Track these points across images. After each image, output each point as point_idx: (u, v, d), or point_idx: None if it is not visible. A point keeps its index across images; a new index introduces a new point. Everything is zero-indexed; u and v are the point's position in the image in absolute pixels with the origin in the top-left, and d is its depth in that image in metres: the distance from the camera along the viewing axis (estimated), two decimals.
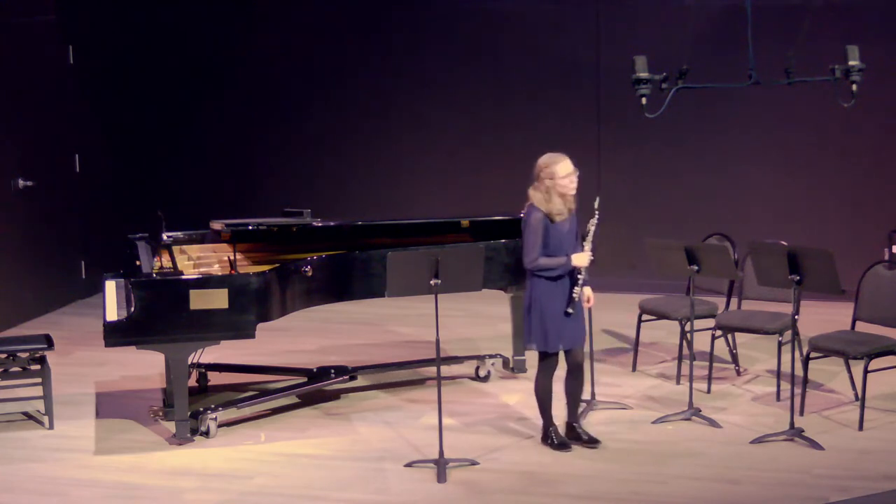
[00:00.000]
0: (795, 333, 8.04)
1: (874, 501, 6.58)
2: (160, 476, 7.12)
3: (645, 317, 8.77)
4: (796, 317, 7.78)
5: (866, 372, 7.50)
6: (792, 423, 7.42)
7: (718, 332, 8.45)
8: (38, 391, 7.88)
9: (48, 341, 7.93)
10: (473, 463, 7.15)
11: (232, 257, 7.99)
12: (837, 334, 7.87)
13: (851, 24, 9.91)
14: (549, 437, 7.38)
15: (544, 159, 7.16)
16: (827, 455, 7.18)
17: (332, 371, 8.33)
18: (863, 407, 7.58)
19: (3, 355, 7.83)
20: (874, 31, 10.00)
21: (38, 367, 7.86)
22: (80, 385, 8.76)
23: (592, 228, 7.24)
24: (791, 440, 7.37)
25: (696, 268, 7.67)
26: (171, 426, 7.71)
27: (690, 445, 7.40)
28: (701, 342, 8.47)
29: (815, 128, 10.50)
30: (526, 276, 7.28)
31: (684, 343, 8.38)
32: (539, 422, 7.46)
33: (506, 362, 8.82)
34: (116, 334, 7.39)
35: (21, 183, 10.43)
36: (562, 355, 7.28)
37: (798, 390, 7.76)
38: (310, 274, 7.82)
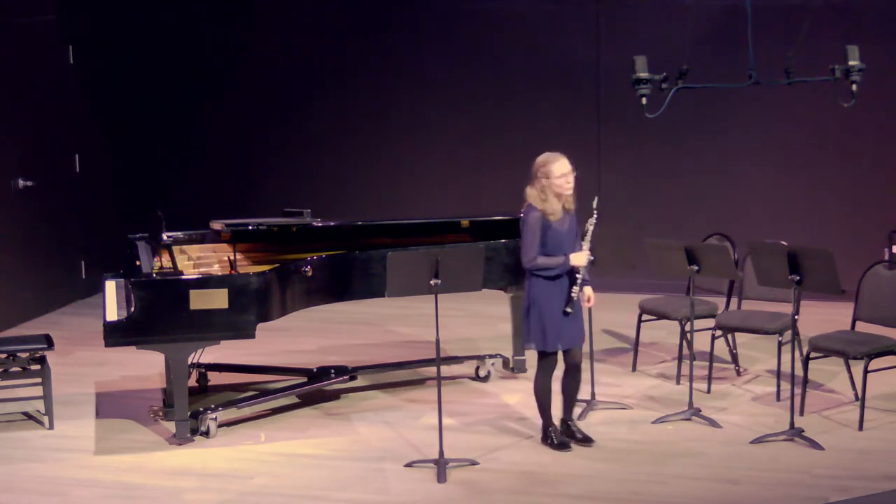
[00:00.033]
0: (795, 333, 8.04)
1: (874, 501, 6.58)
2: (160, 476, 7.12)
3: (645, 317, 8.77)
4: (796, 317, 7.78)
5: (866, 372, 7.50)
6: (792, 423, 7.42)
7: (718, 332, 8.45)
8: (38, 391, 7.88)
9: (48, 341, 7.93)
10: (473, 463, 7.15)
11: (232, 257, 7.99)
12: (837, 334, 7.87)
13: (851, 24, 9.91)
14: (548, 437, 7.38)
15: (542, 158, 7.17)
16: (827, 455, 7.18)
17: (332, 371, 8.33)
18: (863, 407, 7.58)
19: (3, 355, 7.83)
20: (874, 31, 10.00)
21: (38, 367, 7.86)
22: (80, 385, 8.76)
23: (591, 228, 7.24)
24: (791, 440, 7.37)
25: (696, 268, 7.67)
26: (171, 426, 7.71)
27: (690, 445, 7.40)
28: (701, 342, 8.47)
29: (815, 128, 10.50)
30: (525, 276, 7.28)
31: (684, 343, 8.38)
32: (539, 422, 7.46)
33: (506, 362, 8.82)
34: (116, 334, 7.39)
35: (21, 183, 10.43)
36: (560, 355, 7.29)
37: (798, 390, 7.76)
38: (310, 274, 7.82)
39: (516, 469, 7.10)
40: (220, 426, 7.74)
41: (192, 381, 8.35)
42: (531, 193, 7.15)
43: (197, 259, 8.26)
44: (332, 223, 8.47)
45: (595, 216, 7.24)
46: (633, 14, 10.75)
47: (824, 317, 9.04)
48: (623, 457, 7.24)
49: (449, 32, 11.23)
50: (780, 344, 7.95)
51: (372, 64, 11.40)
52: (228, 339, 7.55)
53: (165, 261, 7.93)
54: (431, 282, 7.01)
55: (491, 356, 8.72)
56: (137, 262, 7.92)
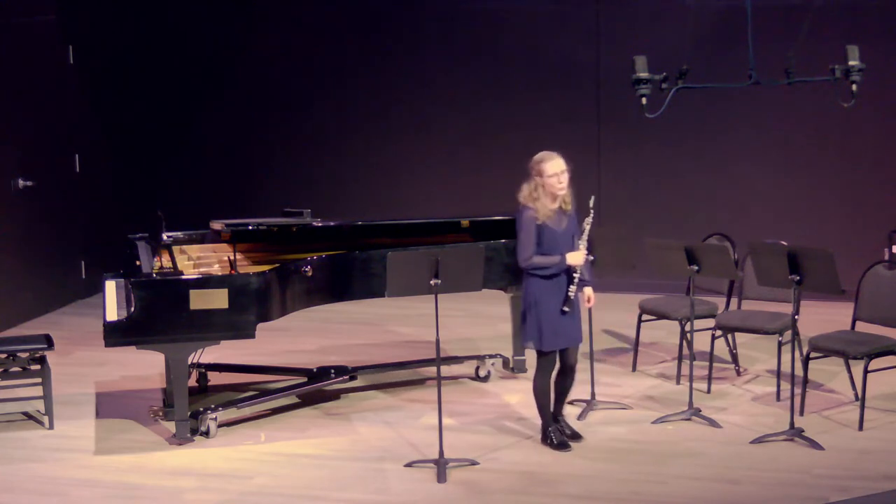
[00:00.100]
0: (795, 333, 8.04)
1: (874, 501, 6.58)
2: (160, 476, 7.12)
3: (645, 317, 8.77)
4: (796, 317, 7.78)
5: (866, 372, 7.50)
6: (792, 423, 7.42)
7: (718, 332, 8.45)
8: (38, 391, 7.88)
9: (48, 341, 7.93)
10: (473, 463, 7.15)
11: (232, 257, 7.99)
12: (837, 334, 7.87)
13: (851, 24, 9.91)
14: (548, 437, 7.38)
15: (537, 156, 7.18)
16: (827, 455, 7.18)
17: (332, 371, 8.33)
18: (863, 407, 7.58)
19: (3, 355, 7.83)
20: (874, 31, 10.00)
21: (38, 367, 7.86)
22: (80, 385, 8.76)
23: (587, 227, 7.24)
24: (791, 440, 7.37)
25: (696, 268, 7.67)
26: (171, 426, 7.71)
27: (690, 445, 7.40)
28: (701, 342, 8.47)
29: (815, 128, 10.50)
30: (523, 276, 7.29)
31: (684, 343, 8.38)
32: (538, 422, 7.46)
33: (506, 362, 8.82)
34: (116, 334, 7.39)
35: (21, 183, 10.43)
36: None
37: (798, 390, 7.76)
38: (310, 274, 7.82)
39: (516, 469, 7.10)
40: (220, 426, 7.74)
41: (192, 381, 8.35)
42: (525, 191, 7.15)
43: (197, 259, 8.26)
44: (332, 223, 8.46)
45: (591, 215, 7.24)
46: (633, 14, 10.75)
47: (824, 317, 9.04)
48: (623, 457, 7.24)
49: (449, 32, 11.23)
50: (780, 344, 7.95)
51: (372, 64, 11.40)
52: (228, 339, 7.55)
53: (165, 261, 7.93)
54: (431, 282, 7.01)
55: (491, 356, 8.72)
56: (137, 262, 7.92)
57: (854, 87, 7.43)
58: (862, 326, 7.95)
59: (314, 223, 8.29)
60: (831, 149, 10.53)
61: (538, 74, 11.04)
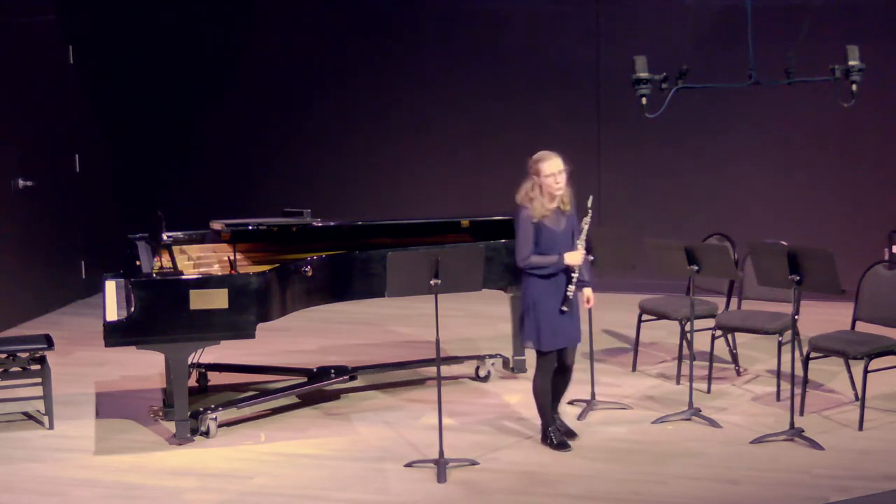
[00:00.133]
0: (795, 333, 8.04)
1: (874, 501, 6.58)
2: (160, 476, 7.12)
3: (645, 317, 8.77)
4: (796, 317, 7.78)
5: (866, 372, 7.50)
6: (792, 423, 7.42)
7: (718, 332, 8.45)
8: (38, 391, 7.88)
9: (48, 341, 7.93)
10: (473, 463, 7.15)
11: (232, 257, 7.99)
12: (837, 334, 7.86)
13: (851, 24, 9.91)
14: (548, 438, 7.38)
15: (535, 156, 7.18)
16: (827, 455, 7.18)
17: (332, 371, 8.33)
18: (863, 407, 7.58)
19: (3, 355, 7.83)
20: (874, 31, 10.00)
21: (38, 367, 7.86)
22: (80, 385, 8.76)
23: (585, 227, 7.24)
24: (791, 440, 7.37)
25: (696, 268, 7.67)
26: (171, 426, 7.71)
27: (690, 445, 7.40)
28: (701, 342, 8.47)
29: (815, 128, 10.50)
30: (522, 276, 7.29)
31: (684, 343, 8.38)
32: (538, 422, 7.46)
33: (506, 362, 8.82)
34: (116, 334, 7.39)
35: (21, 183, 10.43)
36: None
37: (798, 390, 7.76)
38: (310, 274, 7.82)
39: (516, 469, 7.10)
40: (220, 426, 7.74)
41: (192, 381, 8.35)
42: (522, 190, 7.16)
43: (197, 259, 8.26)
44: (332, 223, 8.46)
45: (590, 215, 7.23)
46: (633, 14, 10.75)
47: (824, 317, 9.04)
48: (623, 457, 7.24)
49: (449, 32, 11.23)
50: (780, 344, 7.95)
51: (372, 64, 11.40)
52: (228, 339, 7.55)
53: (165, 261, 7.93)
54: (431, 282, 7.01)
55: (491, 356, 8.72)
56: (137, 262, 7.92)
57: (854, 87, 7.43)
58: (862, 326, 7.95)
59: (314, 223, 8.29)
60: (831, 149, 10.53)
61: (538, 74, 11.03)
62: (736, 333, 8.59)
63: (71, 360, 9.38)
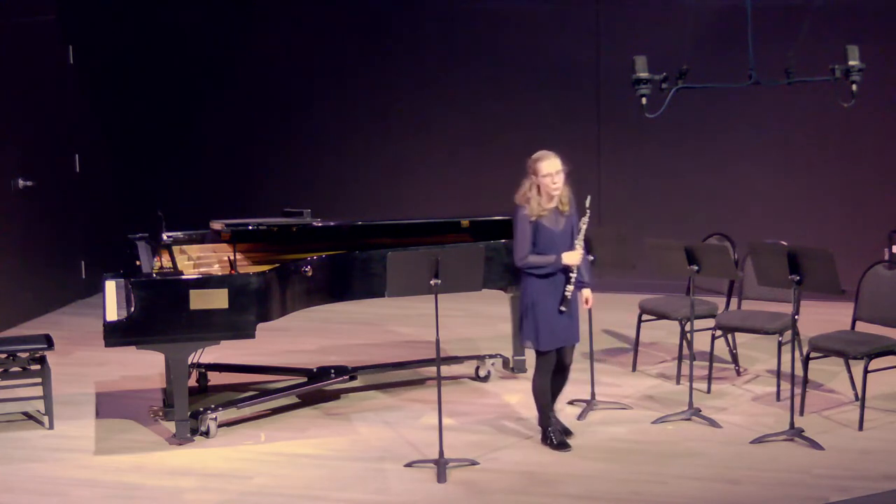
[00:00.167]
0: (795, 333, 8.04)
1: (874, 501, 6.58)
2: (160, 476, 7.12)
3: (645, 317, 8.77)
4: (796, 317, 7.78)
5: (866, 372, 7.50)
6: (792, 423, 7.42)
7: (718, 332, 8.45)
8: (38, 391, 7.88)
9: (48, 341, 7.93)
10: (473, 463, 7.15)
11: (232, 257, 7.99)
12: (837, 334, 7.87)
13: (851, 24, 9.91)
14: (548, 438, 7.38)
15: (534, 155, 7.19)
16: (827, 455, 7.18)
17: (332, 371, 8.33)
18: (863, 407, 7.58)
19: (3, 355, 7.83)
20: (874, 31, 10.00)
21: (38, 367, 7.86)
22: (80, 385, 8.76)
23: (583, 227, 7.23)
24: (791, 440, 7.37)
25: (696, 268, 7.66)
26: (171, 426, 7.71)
27: (690, 445, 7.40)
28: (701, 342, 8.47)
29: (815, 128, 10.50)
30: (521, 276, 7.29)
31: (684, 343, 8.38)
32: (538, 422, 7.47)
33: (506, 362, 8.82)
34: (116, 334, 7.39)
35: (21, 183, 10.43)
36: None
37: (798, 390, 7.76)
38: (310, 274, 7.82)
39: (516, 469, 7.10)
40: (220, 426, 7.74)
41: (192, 381, 8.35)
42: (521, 189, 7.16)
43: (197, 259, 8.26)
44: (332, 223, 8.47)
45: (588, 215, 7.23)
46: (633, 14, 10.75)
47: (824, 317, 9.04)
48: (623, 457, 7.24)
49: (449, 32, 11.23)
50: (780, 344, 7.95)
51: (372, 64, 11.40)
52: (228, 339, 7.55)
53: (165, 261, 7.93)
54: (431, 282, 7.01)
55: (491, 356, 8.72)
56: (137, 262, 7.92)
57: (854, 87, 7.43)
58: (862, 326, 7.95)
59: (314, 223, 8.29)
60: (831, 149, 10.53)
61: (538, 74, 11.03)
62: (736, 333, 8.59)
63: (71, 360, 9.38)
